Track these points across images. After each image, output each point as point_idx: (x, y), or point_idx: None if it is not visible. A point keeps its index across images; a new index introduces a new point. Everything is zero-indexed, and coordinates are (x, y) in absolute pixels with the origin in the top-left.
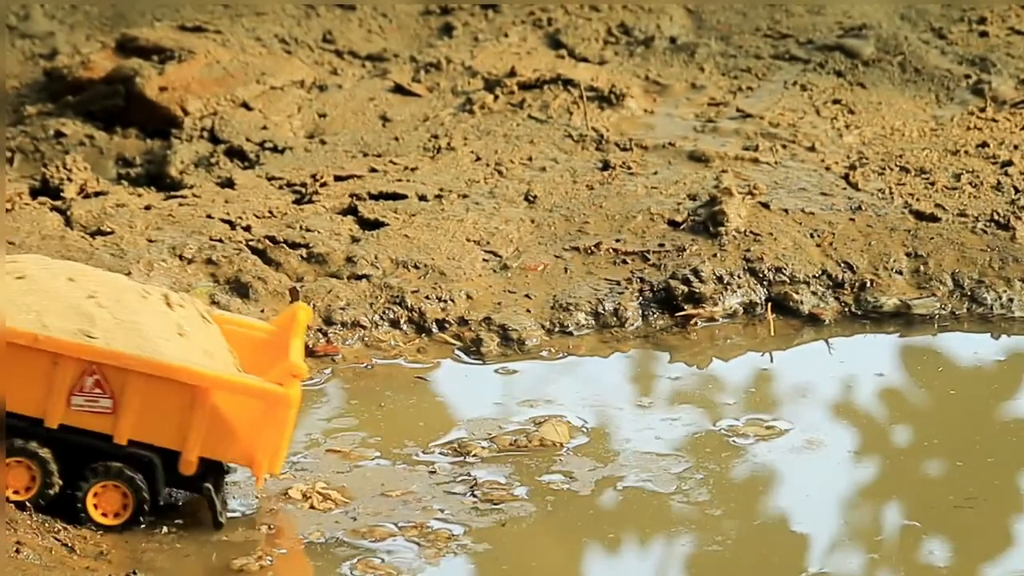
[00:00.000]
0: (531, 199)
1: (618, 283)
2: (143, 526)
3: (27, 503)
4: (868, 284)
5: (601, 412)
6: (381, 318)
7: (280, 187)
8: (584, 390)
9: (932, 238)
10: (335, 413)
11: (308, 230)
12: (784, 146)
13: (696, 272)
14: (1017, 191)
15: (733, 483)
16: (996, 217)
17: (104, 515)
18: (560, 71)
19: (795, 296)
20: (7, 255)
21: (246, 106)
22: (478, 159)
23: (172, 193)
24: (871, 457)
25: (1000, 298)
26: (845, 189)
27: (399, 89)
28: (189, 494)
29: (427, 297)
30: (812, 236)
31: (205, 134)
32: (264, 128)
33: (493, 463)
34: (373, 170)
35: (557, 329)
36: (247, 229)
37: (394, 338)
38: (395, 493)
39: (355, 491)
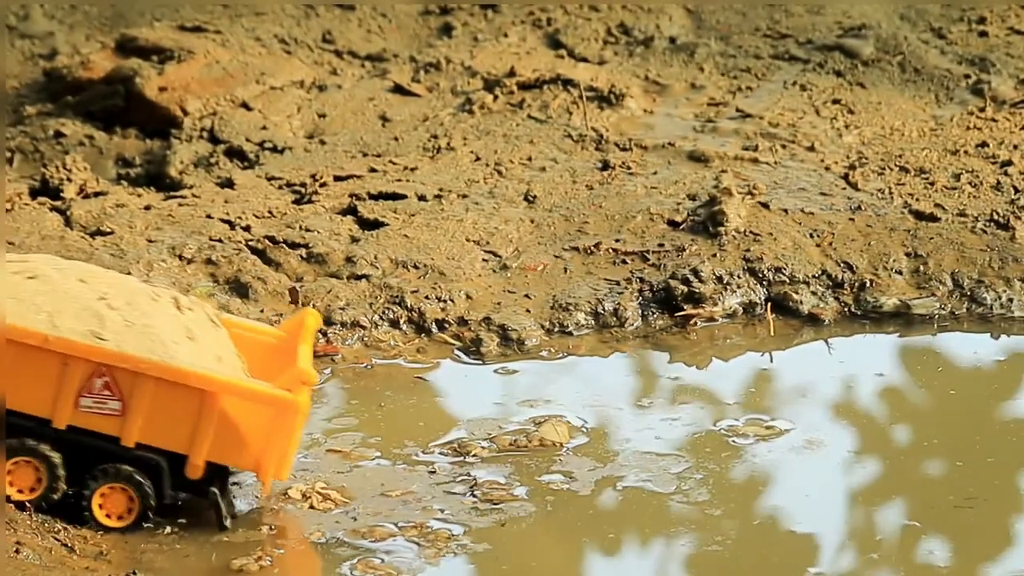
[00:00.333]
0: (531, 199)
1: (618, 283)
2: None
3: (27, 503)
4: (868, 284)
5: (601, 412)
6: (381, 318)
7: (280, 187)
8: (584, 390)
9: (932, 238)
10: (335, 413)
11: (308, 230)
12: (784, 146)
13: (696, 272)
14: (1017, 191)
15: (733, 483)
16: (996, 217)
17: (108, 516)
18: (560, 71)
19: (795, 296)
20: (18, 255)
21: (246, 106)
22: (478, 159)
23: (172, 193)
24: (871, 457)
25: (1000, 298)
26: (845, 189)
27: (399, 89)
28: (191, 495)
29: (427, 297)
30: (812, 236)
31: (205, 134)
32: (264, 128)
33: (493, 463)
34: (373, 170)
35: (557, 329)
36: (247, 229)
37: (394, 338)
38: (395, 493)
39: (355, 491)
